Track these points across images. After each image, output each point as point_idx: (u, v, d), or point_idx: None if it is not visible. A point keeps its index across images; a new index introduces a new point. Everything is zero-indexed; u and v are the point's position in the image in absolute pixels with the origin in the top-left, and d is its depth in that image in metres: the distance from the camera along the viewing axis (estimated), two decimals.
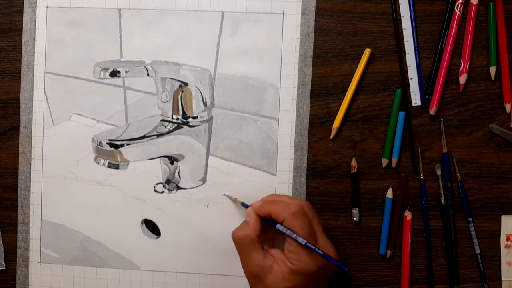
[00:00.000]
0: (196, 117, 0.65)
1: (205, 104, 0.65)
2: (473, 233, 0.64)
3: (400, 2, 0.63)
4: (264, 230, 0.58)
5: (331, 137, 0.64)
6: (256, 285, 0.56)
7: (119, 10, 0.65)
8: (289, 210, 0.56)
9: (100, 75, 0.64)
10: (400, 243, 0.64)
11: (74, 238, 0.66)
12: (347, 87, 0.64)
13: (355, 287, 0.65)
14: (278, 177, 0.64)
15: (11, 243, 0.67)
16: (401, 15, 0.63)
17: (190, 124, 0.65)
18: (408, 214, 0.64)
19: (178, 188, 0.65)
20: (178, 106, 0.65)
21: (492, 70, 0.63)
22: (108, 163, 0.65)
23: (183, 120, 0.65)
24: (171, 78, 0.65)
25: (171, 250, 0.66)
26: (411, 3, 0.63)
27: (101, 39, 0.65)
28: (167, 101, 0.65)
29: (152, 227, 0.66)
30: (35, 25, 0.65)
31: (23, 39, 0.66)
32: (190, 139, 0.65)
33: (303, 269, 0.54)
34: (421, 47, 0.63)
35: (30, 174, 0.66)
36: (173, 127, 0.65)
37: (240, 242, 0.57)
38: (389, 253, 0.64)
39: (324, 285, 0.57)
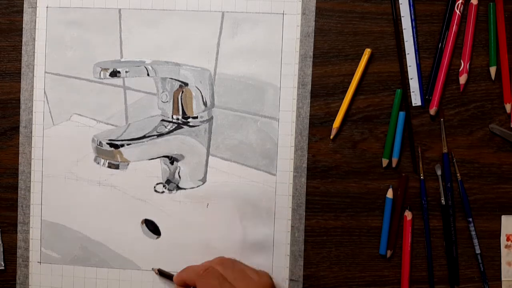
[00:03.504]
0: (196, 117, 0.65)
1: (205, 104, 0.65)
2: (473, 233, 0.64)
3: (400, 2, 0.63)
4: None
5: (331, 137, 0.64)
6: None
7: (119, 10, 0.65)
8: (196, 272, 0.59)
9: (100, 75, 0.64)
10: (400, 243, 0.64)
11: (74, 238, 0.66)
12: (347, 87, 0.64)
13: (355, 287, 0.65)
14: (278, 177, 0.64)
15: (11, 243, 0.67)
16: (401, 15, 0.63)
17: (190, 124, 0.65)
18: (408, 214, 0.64)
19: (178, 188, 0.65)
20: (178, 106, 0.65)
21: (492, 70, 0.63)
22: (108, 163, 0.65)
23: (183, 120, 0.65)
24: (171, 78, 0.65)
25: (171, 250, 0.66)
26: (411, 3, 0.63)
27: (101, 39, 0.65)
28: (167, 101, 0.65)
29: (152, 227, 0.66)
30: (35, 25, 0.65)
31: (23, 39, 0.66)
32: (190, 139, 0.65)
33: None
34: (421, 47, 0.63)
35: (30, 174, 0.66)
36: (173, 127, 0.65)
37: None
38: (389, 253, 0.64)
39: None
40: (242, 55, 0.64)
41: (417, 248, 0.64)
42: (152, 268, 0.65)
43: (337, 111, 0.64)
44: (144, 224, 0.66)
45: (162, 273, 0.64)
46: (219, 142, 0.65)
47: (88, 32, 0.65)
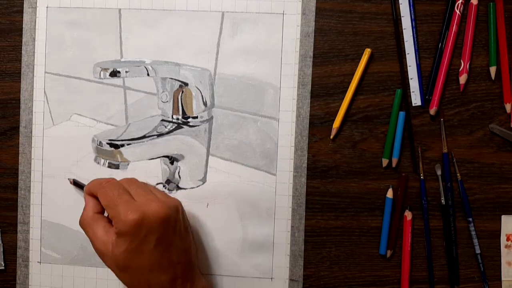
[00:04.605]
0: (196, 117, 0.65)
1: (205, 104, 0.65)
2: (473, 233, 0.64)
3: (400, 2, 0.63)
4: None
5: (331, 137, 0.64)
6: (106, 260, 0.57)
7: (119, 10, 0.65)
8: (99, 183, 0.59)
9: (100, 75, 0.64)
10: (400, 243, 0.64)
11: (74, 238, 0.66)
12: (347, 87, 0.64)
13: (355, 287, 0.65)
14: (278, 177, 0.64)
15: (11, 243, 0.67)
16: (401, 15, 0.63)
17: (190, 124, 0.65)
18: (408, 214, 0.64)
19: (178, 188, 0.65)
20: (178, 106, 0.65)
21: (492, 70, 0.63)
22: (108, 163, 0.65)
23: (183, 120, 0.65)
24: (171, 78, 0.65)
25: None
26: (411, 3, 0.63)
27: (101, 39, 0.65)
28: (167, 101, 0.65)
29: None
30: (35, 25, 0.65)
31: (23, 39, 0.66)
32: (190, 139, 0.65)
33: (122, 230, 0.55)
34: (421, 47, 0.63)
35: (30, 174, 0.66)
36: (173, 127, 0.65)
37: (82, 225, 0.59)
38: (389, 253, 0.64)
39: (152, 242, 0.55)
40: (242, 55, 0.64)
41: (417, 248, 0.64)
42: (68, 178, 0.65)
43: (337, 111, 0.64)
44: None
45: (76, 183, 0.65)
46: (219, 142, 0.65)
47: (88, 32, 0.65)
